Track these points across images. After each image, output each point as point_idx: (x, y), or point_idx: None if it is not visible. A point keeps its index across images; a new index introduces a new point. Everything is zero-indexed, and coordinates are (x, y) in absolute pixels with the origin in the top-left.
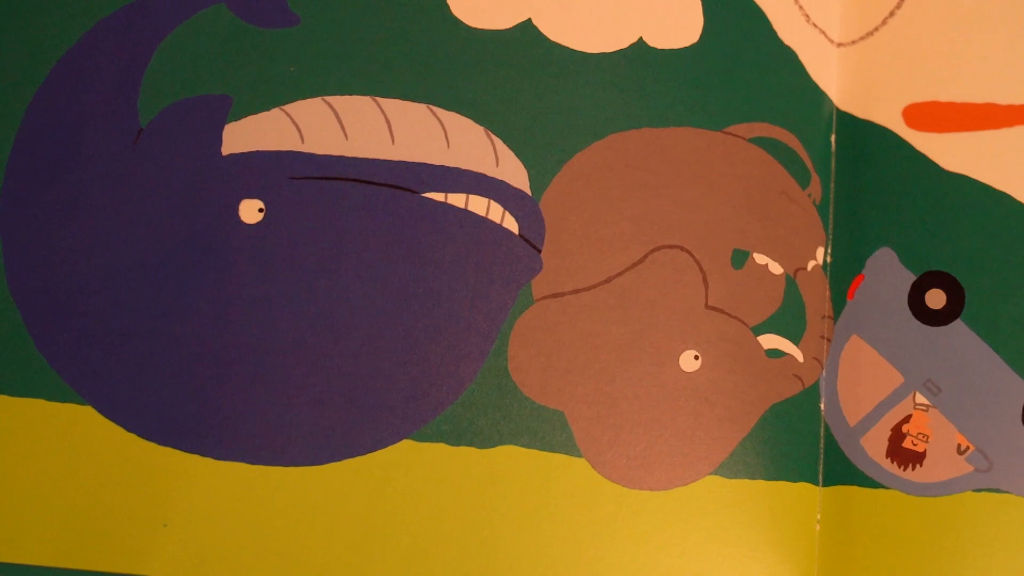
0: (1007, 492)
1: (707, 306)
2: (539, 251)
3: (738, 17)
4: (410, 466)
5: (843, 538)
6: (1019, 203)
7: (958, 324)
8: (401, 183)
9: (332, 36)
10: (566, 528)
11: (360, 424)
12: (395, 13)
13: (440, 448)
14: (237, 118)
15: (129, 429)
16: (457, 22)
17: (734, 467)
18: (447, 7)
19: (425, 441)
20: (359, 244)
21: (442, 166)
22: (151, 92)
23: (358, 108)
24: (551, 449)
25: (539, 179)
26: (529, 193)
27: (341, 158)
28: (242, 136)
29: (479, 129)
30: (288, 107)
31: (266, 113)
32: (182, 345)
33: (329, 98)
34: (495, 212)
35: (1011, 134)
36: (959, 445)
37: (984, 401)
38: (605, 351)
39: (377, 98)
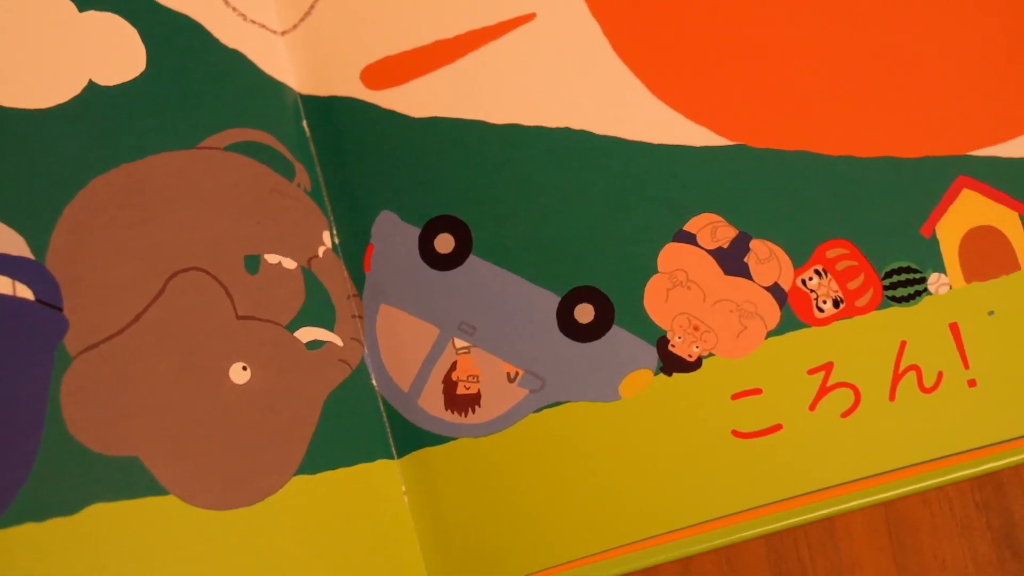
0: (564, 402)
1: (238, 317)
2: (61, 310)
3: (177, 36)
4: (2, 558)
5: (431, 501)
6: (491, 125)
7: (472, 260)
8: None
9: None
10: (175, 569)
11: None
12: None
13: (28, 529)
14: None
15: None
16: None
17: (314, 463)
18: None
19: (10, 526)
20: None
21: None
22: None
23: None
24: (138, 495)
25: (37, 241)
26: (32, 257)
27: None
28: None
29: None
30: None
31: None
32: None
33: None
34: (4, 285)
35: (464, 63)
36: (508, 374)
37: (518, 324)
38: (157, 387)
39: None
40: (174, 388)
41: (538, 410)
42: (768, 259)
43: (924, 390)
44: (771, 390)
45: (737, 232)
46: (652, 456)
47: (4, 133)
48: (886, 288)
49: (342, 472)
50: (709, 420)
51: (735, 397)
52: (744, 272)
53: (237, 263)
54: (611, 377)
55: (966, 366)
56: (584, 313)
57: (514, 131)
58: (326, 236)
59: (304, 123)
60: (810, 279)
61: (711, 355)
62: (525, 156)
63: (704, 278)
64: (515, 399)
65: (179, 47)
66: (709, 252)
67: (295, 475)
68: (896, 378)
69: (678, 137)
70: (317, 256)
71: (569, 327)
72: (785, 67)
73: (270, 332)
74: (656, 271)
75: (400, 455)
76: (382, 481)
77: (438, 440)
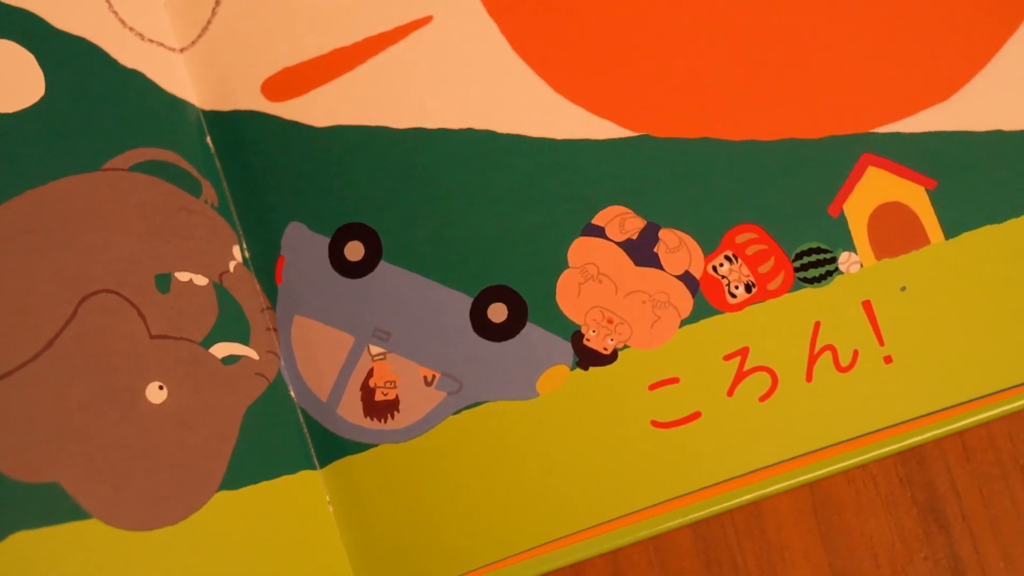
0: (483, 402)
1: (152, 337)
2: None
3: (75, 59)
4: None
5: (357, 509)
6: (395, 130)
7: (383, 266)
8: None
9: None
10: None
11: None
12: None
13: None
14: None
15: None
16: None
17: (237, 478)
18: None
19: None
20: None
21: None
22: None
23: None
24: (61, 521)
25: None
26: None
27: None
28: None
29: None
30: None
31: None
32: None
33: None
34: None
35: (363, 70)
36: (425, 377)
37: (433, 327)
38: (74, 411)
39: None
40: (91, 412)
41: (457, 412)
42: (678, 248)
43: (840, 369)
44: (688, 378)
45: (645, 222)
46: (573, 451)
47: None
48: (797, 270)
49: (265, 486)
50: (628, 412)
51: (652, 387)
52: (655, 262)
53: (148, 283)
54: (528, 375)
55: (881, 343)
56: (497, 312)
57: (418, 135)
58: (236, 251)
59: (208, 139)
60: (721, 265)
61: (626, 347)
62: (430, 159)
63: (615, 270)
64: (433, 402)
65: (77, 70)
66: (619, 244)
67: (218, 491)
68: (812, 359)
69: (581, 131)
70: (228, 271)
71: (483, 327)
72: (685, 55)
73: (185, 350)
74: (567, 266)
75: (322, 465)
76: (306, 492)
77: (359, 448)
